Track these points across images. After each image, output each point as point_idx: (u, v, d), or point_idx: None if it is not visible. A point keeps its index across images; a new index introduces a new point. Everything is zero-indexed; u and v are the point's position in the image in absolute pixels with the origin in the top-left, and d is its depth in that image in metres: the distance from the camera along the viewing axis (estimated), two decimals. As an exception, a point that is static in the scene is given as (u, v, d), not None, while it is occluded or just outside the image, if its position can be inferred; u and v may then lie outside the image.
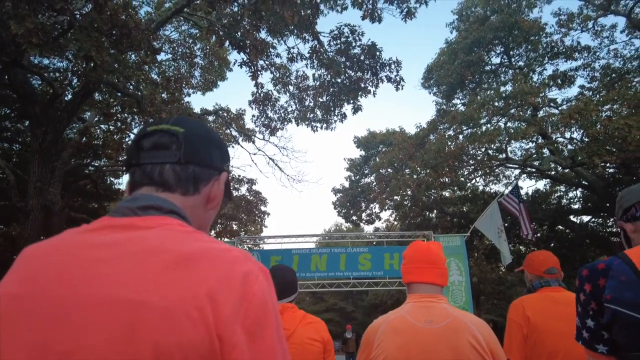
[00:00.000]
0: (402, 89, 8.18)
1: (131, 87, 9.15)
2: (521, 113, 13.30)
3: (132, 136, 10.37)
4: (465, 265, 10.23)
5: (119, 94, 9.25)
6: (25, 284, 0.61)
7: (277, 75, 10.02)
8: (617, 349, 1.11)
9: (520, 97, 11.65)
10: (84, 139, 11.41)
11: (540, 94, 12.62)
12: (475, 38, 15.05)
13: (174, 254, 0.61)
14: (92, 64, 4.63)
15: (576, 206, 17.03)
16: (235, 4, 6.73)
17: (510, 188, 11.91)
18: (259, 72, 7.97)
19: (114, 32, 5.46)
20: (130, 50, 5.83)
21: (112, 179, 14.32)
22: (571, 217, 16.52)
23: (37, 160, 7.78)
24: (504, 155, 14.20)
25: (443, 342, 1.50)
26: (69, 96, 9.34)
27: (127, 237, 0.64)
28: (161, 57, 11.78)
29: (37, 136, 7.76)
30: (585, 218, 16.81)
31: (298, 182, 13.33)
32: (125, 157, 0.76)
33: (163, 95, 8.89)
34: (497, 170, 15.81)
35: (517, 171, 16.00)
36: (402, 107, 72.02)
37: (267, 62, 8.93)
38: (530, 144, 14.24)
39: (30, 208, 7.66)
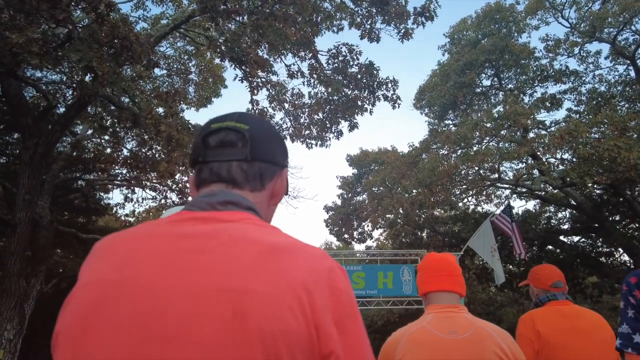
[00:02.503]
0: (398, 107, 8.29)
1: (126, 100, 9.10)
2: (512, 134, 13.54)
3: (125, 150, 10.28)
4: (459, 284, 10.16)
5: (113, 108, 9.18)
6: (120, 270, 0.60)
7: (273, 93, 10.07)
8: None
9: (512, 118, 11.87)
10: (76, 152, 11.25)
11: (531, 116, 12.89)
12: (467, 60, 15.41)
13: (263, 246, 0.62)
14: (92, 75, 4.60)
15: (565, 226, 17.20)
16: (236, 20, 6.81)
17: (502, 208, 11.99)
18: (259, 87, 8.01)
19: (114, 44, 5.46)
20: (130, 63, 5.83)
21: (101, 193, 14.08)
22: (561, 237, 16.65)
23: (27, 172, 7.62)
24: (496, 175, 14.37)
25: (468, 353, 1.45)
26: (62, 109, 9.24)
27: (213, 228, 0.65)
28: (156, 72, 11.79)
29: (28, 148, 7.62)
30: (575, 238, 16.97)
31: (293, 199, 13.23)
32: (190, 154, 0.78)
33: (159, 109, 8.84)
34: (488, 190, 15.96)
35: (507, 191, 16.18)
36: (394, 127, 72.89)
37: (264, 79, 9.00)
38: (521, 164, 14.45)
39: (18, 221, 7.45)
